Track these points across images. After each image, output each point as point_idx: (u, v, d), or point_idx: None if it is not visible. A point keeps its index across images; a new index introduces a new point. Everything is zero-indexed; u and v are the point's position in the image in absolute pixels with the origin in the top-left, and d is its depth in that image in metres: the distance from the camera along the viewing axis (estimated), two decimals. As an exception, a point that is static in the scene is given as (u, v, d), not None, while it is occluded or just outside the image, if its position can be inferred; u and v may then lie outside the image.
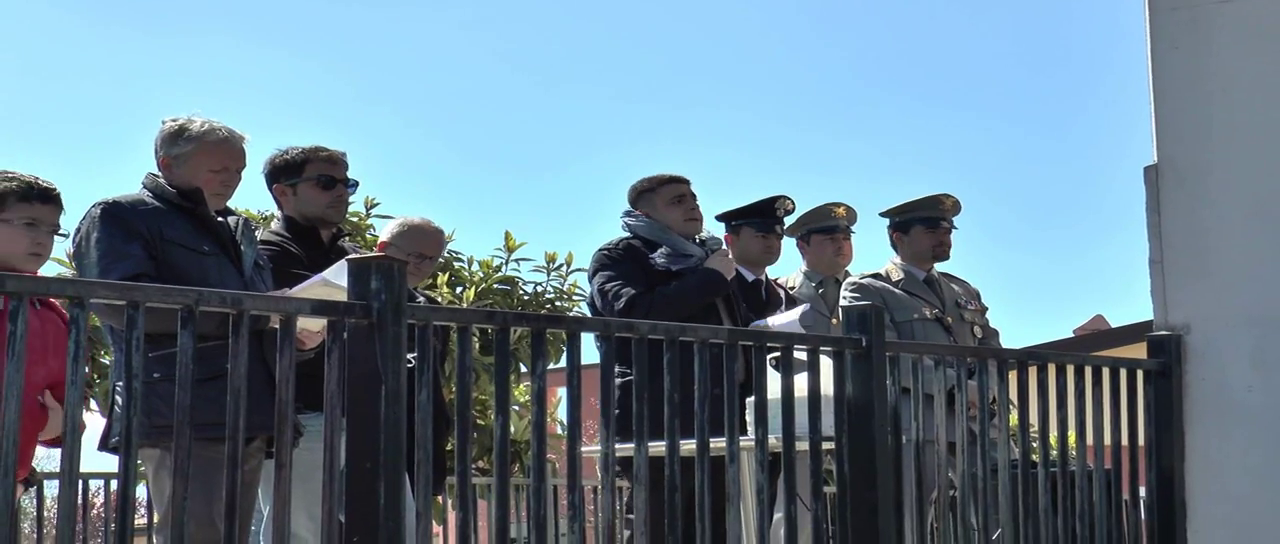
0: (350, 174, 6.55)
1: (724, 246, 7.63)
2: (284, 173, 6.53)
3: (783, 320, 7.52)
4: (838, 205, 8.53)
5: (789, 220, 8.20)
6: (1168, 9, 6.40)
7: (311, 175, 6.48)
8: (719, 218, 8.08)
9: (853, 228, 8.60)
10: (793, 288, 8.37)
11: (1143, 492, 6.48)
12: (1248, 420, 6.19)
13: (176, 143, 5.82)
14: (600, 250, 7.48)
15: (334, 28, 52.70)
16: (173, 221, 5.69)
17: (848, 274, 8.50)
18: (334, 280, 5.27)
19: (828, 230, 8.54)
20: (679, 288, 7.28)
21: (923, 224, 8.11)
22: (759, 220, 8.03)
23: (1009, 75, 55.43)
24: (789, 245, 8.55)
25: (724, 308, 7.44)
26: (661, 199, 7.57)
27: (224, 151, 5.85)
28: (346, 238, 6.90)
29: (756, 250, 7.99)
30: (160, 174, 5.83)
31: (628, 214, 7.61)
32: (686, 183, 7.62)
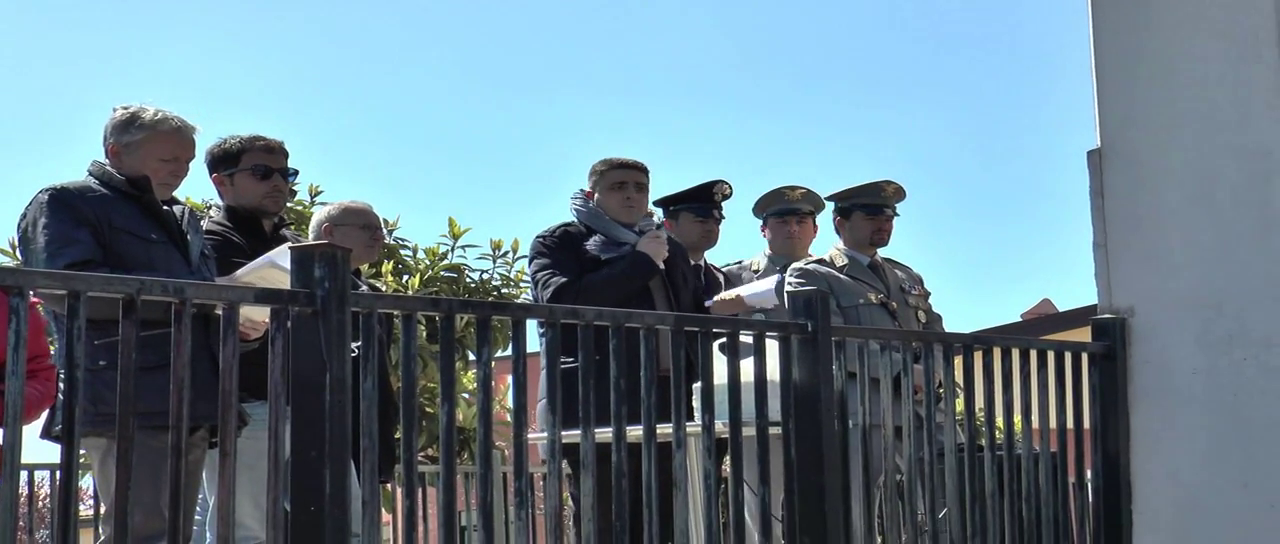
0: (291, 163, 6.53)
1: (657, 229, 7.59)
2: (222, 163, 6.51)
3: (755, 289, 7.54)
4: (794, 188, 8.52)
5: (726, 205, 8.20)
6: (1110, -7, 6.43)
7: (248, 165, 6.47)
8: (657, 203, 8.06)
9: (814, 210, 8.57)
10: (756, 270, 8.38)
11: (1089, 474, 6.51)
12: (1192, 403, 6.22)
13: (128, 131, 5.79)
14: (537, 237, 7.49)
15: (275, 14, 52.51)
16: (120, 209, 5.66)
17: (810, 256, 8.52)
18: (280, 262, 5.25)
19: (781, 214, 8.53)
20: (607, 274, 7.28)
21: (863, 210, 8.11)
22: (697, 205, 8.04)
23: (955, 60, 55.60)
24: (754, 228, 8.57)
25: (660, 292, 7.42)
26: (605, 183, 7.56)
27: (175, 141, 5.83)
28: (289, 227, 6.88)
29: (695, 235, 7.99)
30: (108, 161, 5.80)
31: (575, 196, 7.60)
32: (635, 169, 7.58)
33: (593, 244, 7.38)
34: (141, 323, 3.91)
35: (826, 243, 8.23)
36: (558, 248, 7.39)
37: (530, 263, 7.48)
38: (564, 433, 4.78)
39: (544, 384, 6.69)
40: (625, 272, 7.31)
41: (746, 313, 7.62)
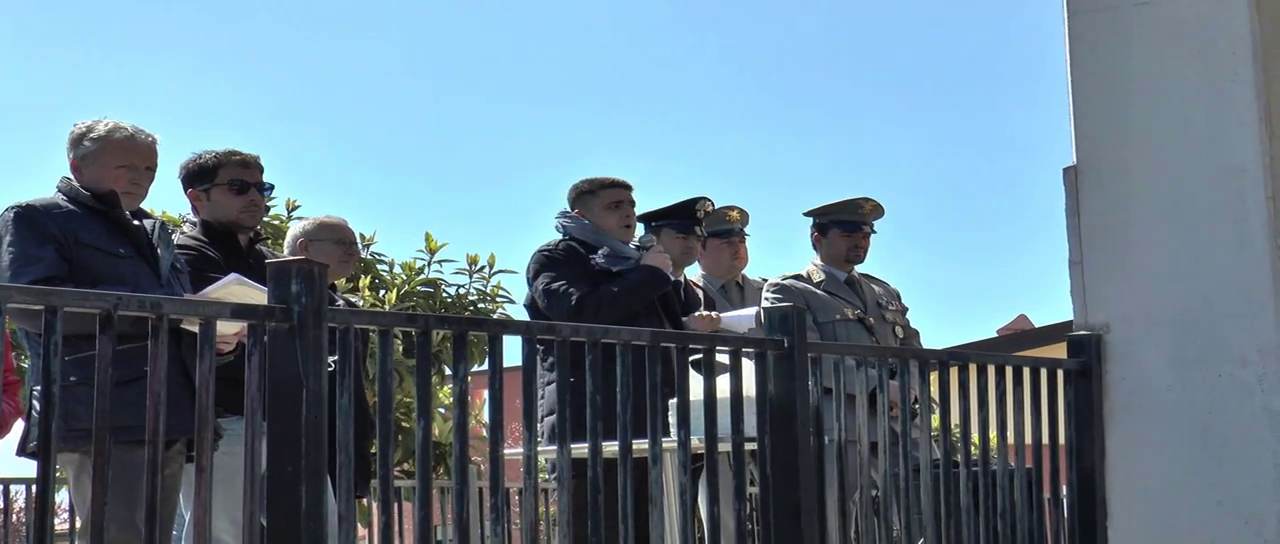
0: (267, 177, 6.52)
1: (657, 245, 7.61)
2: (197, 178, 6.50)
3: (736, 315, 7.54)
4: (732, 209, 8.56)
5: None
6: (1086, 11, 6.44)
7: (224, 180, 6.46)
8: (639, 219, 8.06)
9: (747, 230, 8.63)
10: None
11: (1064, 491, 6.52)
12: (1167, 419, 6.23)
13: (82, 144, 5.83)
14: (541, 252, 7.45)
15: (252, 31, 52.48)
16: (88, 225, 5.66)
17: (745, 277, 8.55)
18: (249, 279, 5.26)
19: (723, 234, 8.56)
20: (626, 285, 7.27)
21: (840, 227, 8.14)
22: (679, 222, 8.02)
23: (932, 77, 55.71)
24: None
25: (661, 306, 7.43)
26: (599, 202, 7.54)
27: (128, 149, 5.84)
28: (265, 242, 6.87)
29: (676, 251, 7.97)
30: (72, 177, 5.82)
31: (563, 215, 7.58)
32: (627, 188, 7.59)
33: (601, 256, 7.38)
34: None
35: (804, 259, 8.25)
36: (566, 261, 7.38)
37: (535, 278, 7.42)
38: (542, 449, 4.78)
39: (552, 398, 6.71)
40: (643, 282, 7.31)
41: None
